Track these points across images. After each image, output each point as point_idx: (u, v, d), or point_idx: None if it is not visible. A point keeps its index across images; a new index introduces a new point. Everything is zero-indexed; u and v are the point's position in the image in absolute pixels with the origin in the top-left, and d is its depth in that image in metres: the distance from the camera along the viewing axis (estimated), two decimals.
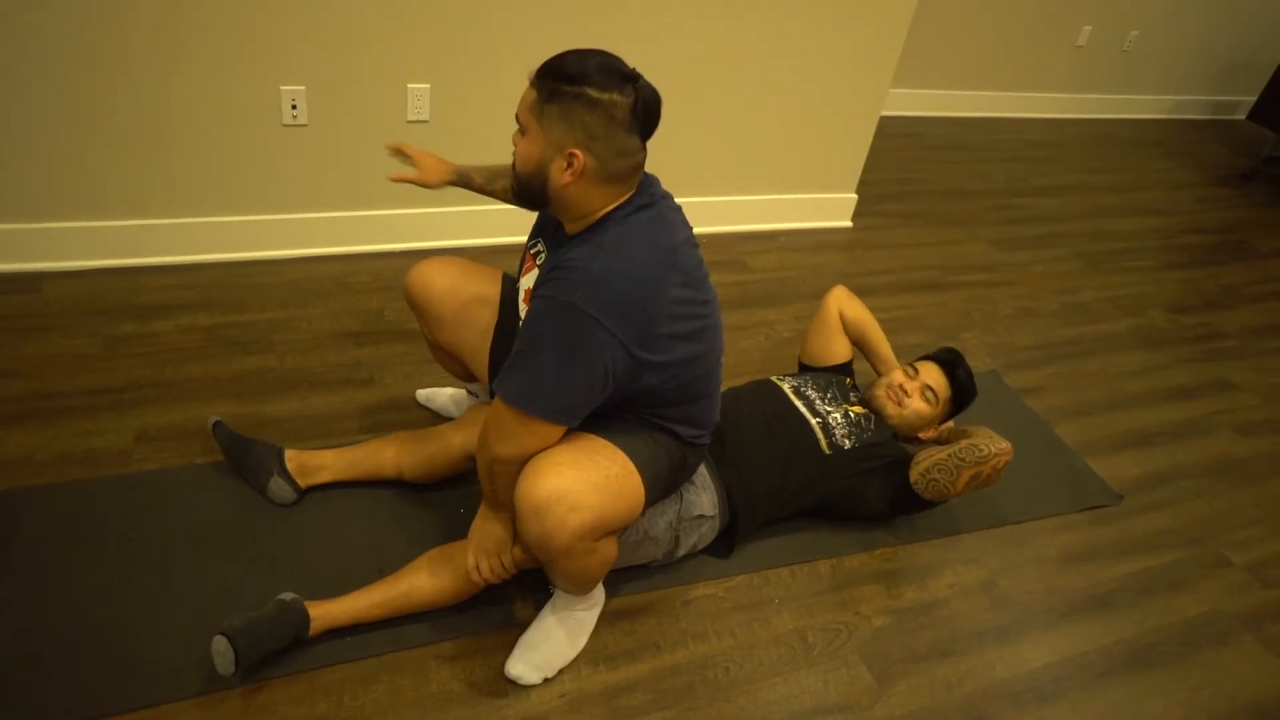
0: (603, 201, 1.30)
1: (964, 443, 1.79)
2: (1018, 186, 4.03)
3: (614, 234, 1.29)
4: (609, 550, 1.42)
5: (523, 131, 1.28)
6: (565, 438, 1.35)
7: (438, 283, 1.68)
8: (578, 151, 1.23)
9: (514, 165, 1.32)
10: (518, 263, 1.58)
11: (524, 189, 1.32)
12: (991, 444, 1.76)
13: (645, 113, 1.24)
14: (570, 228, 1.35)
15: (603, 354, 1.24)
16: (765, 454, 1.80)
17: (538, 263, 1.47)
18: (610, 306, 1.23)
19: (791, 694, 1.58)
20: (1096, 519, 2.13)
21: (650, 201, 1.34)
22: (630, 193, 1.32)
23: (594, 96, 1.21)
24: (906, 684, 1.64)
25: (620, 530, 1.44)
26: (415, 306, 1.73)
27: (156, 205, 2.34)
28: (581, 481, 1.28)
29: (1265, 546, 2.14)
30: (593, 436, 1.37)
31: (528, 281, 1.47)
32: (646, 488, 1.38)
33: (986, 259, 3.31)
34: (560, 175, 1.26)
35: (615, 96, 1.21)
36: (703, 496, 1.71)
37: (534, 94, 1.24)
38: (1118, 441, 2.42)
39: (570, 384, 1.26)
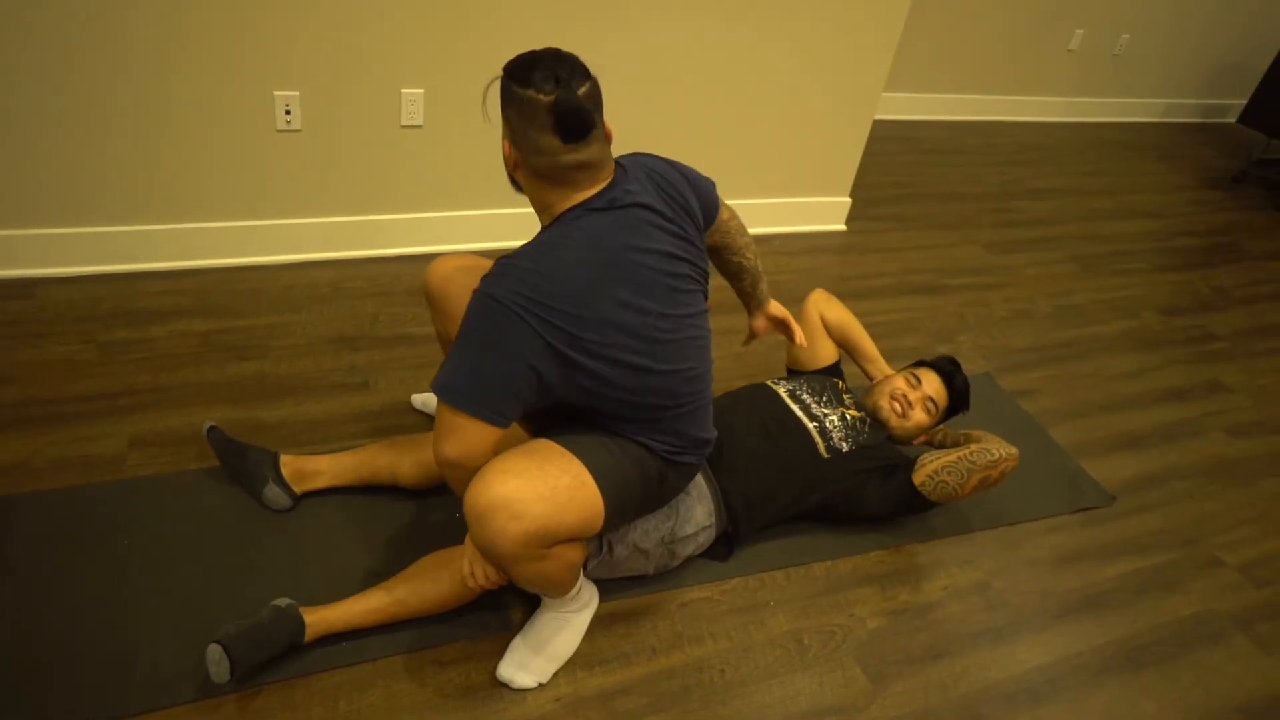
0: (552, 199, 1.34)
1: (975, 446, 1.81)
2: (1011, 190, 4.05)
3: (553, 233, 1.31)
4: (568, 555, 1.39)
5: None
6: (524, 446, 1.35)
7: (455, 278, 1.68)
8: (506, 143, 1.32)
9: None
10: None
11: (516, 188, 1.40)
12: (1001, 448, 1.80)
13: (560, 116, 1.24)
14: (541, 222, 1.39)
15: (522, 350, 1.25)
16: (762, 459, 1.81)
17: None
18: (531, 303, 1.24)
19: (787, 696, 1.59)
20: (1090, 520, 2.14)
21: (607, 206, 1.33)
22: (586, 194, 1.33)
23: (515, 91, 1.25)
24: (901, 686, 1.65)
25: (582, 539, 1.42)
26: (431, 299, 1.73)
27: (151, 211, 2.35)
28: (526, 490, 1.27)
29: (1257, 546, 2.15)
30: (551, 444, 1.36)
31: None
32: (606, 499, 1.36)
33: (981, 262, 3.33)
34: (511, 167, 1.35)
35: (533, 94, 1.24)
36: (698, 509, 1.72)
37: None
38: (1111, 443, 2.43)
39: (490, 378, 1.25)
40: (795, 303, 2.80)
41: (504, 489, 1.27)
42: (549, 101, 1.23)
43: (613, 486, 1.37)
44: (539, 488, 1.28)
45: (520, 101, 1.25)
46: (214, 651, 1.35)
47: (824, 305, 2.15)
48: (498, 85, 1.30)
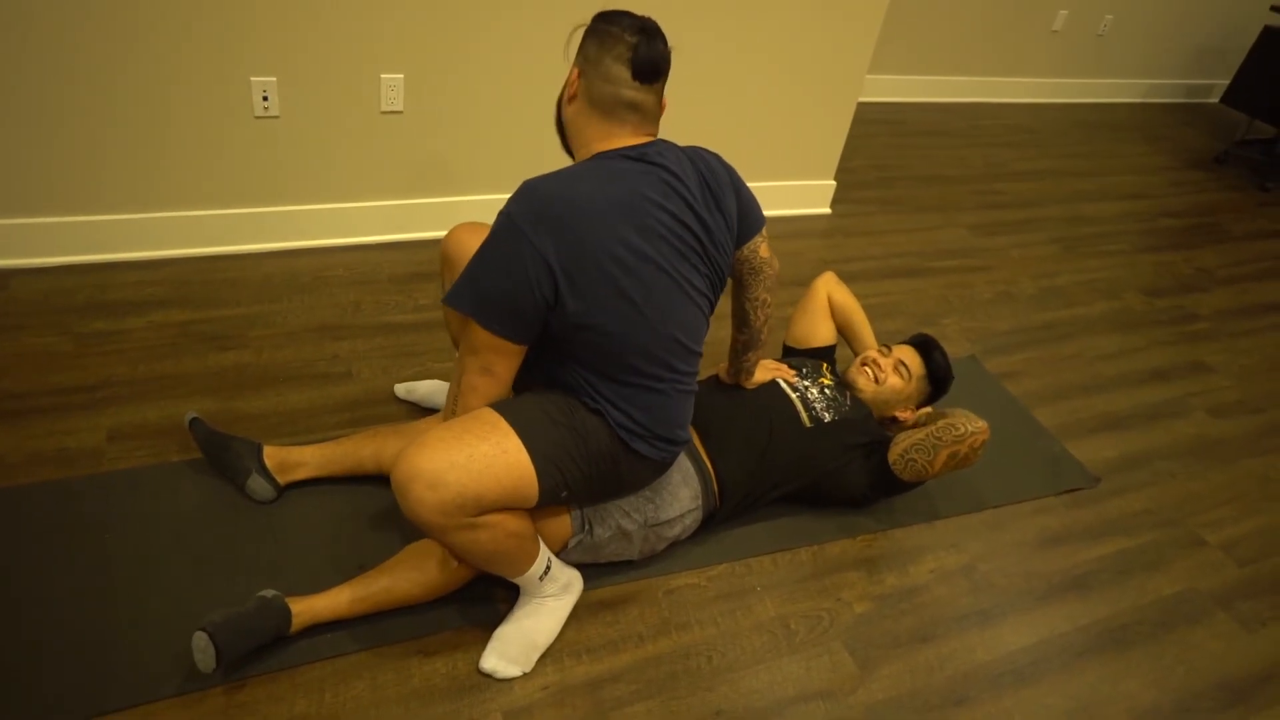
0: (593, 135, 1.42)
1: (941, 422, 1.81)
2: (995, 172, 4.05)
3: (581, 166, 1.38)
4: (505, 524, 1.38)
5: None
6: (453, 420, 1.40)
7: (468, 243, 1.68)
8: (576, 69, 1.42)
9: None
10: None
11: (559, 128, 1.51)
12: (968, 423, 1.79)
13: (639, 55, 1.36)
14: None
15: (525, 266, 1.31)
16: (746, 430, 1.81)
17: None
18: (540, 220, 1.31)
19: (774, 681, 1.59)
20: (1074, 502, 2.15)
21: (638, 158, 1.40)
22: (626, 141, 1.41)
23: (604, 28, 1.39)
24: (888, 669, 1.66)
25: (522, 509, 1.42)
26: (446, 261, 1.74)
27: (127, 200, 2.31)
28: (439, 459, 1.30)
29: (1238, 525, 2.17)
30: (483, 413, 1.40)
31: None
32: (538, 465, 1.37)
33: (964, 244, 3.33)
34: (566, 99, 1.45)
35: (619, 31, 1.37)
36: (683, 491, 1.71)
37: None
38: (1094, 424, 2.45)
39: (494, 287, 1.33)
40: (781, 286, 2.80)
41: (419, 459, 1.31)
42: (633, 41, 1.36)
43: (544, 452, 1.38)
44: (454, 455, 1.31)
45: (605, 34, 1.38)
46: (200, 639, 1.34)
47: (833, 287, 2.19)
48: (579, 32, 1.45)
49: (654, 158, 1.40)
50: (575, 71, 1.42)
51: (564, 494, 1.45)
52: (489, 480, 1.33)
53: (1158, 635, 1.83)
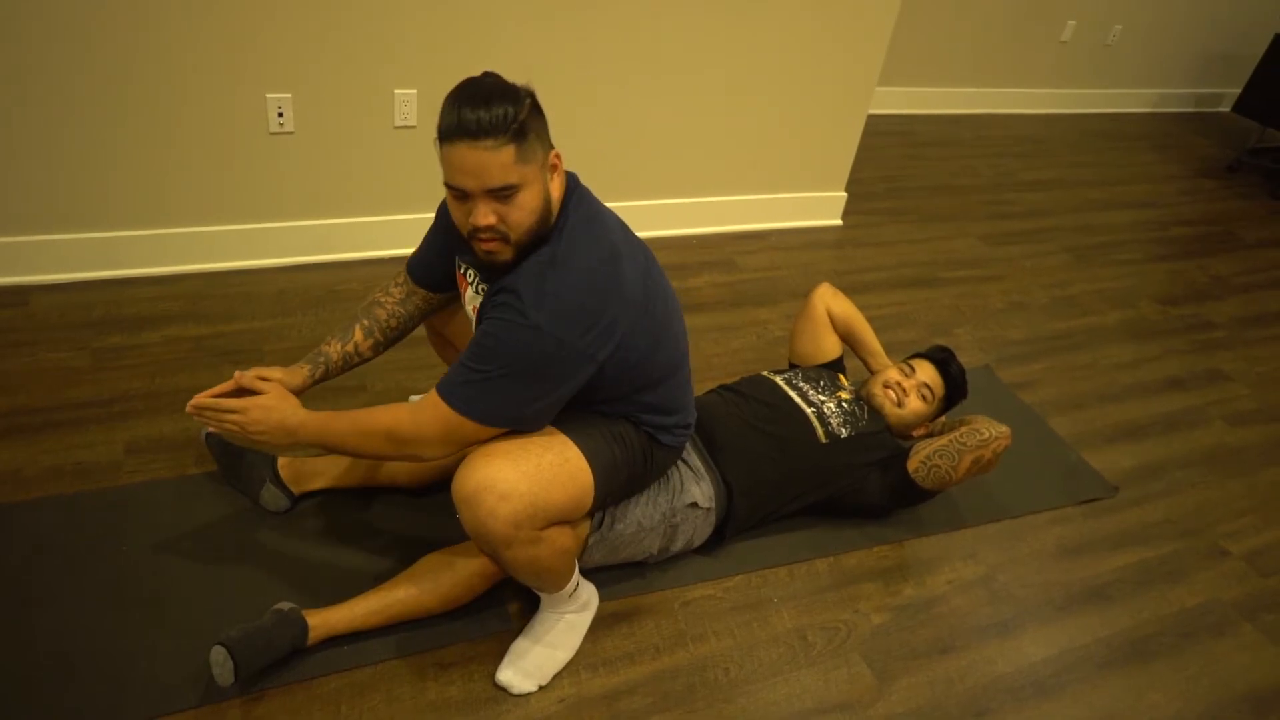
0: (556, 193, 1.31)
1: (964, 429, 1.80)
2: (1005, 182, 4.05)
3: (563, 244, 1.28)
4: (560, 540, 1.38)
5: (516, 192, 1.21)
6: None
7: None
8: (554, 154, 1.28)
9: (503, 235, 1.24)
10: None
11: (535, 237, 1.27)
12: (991, 428, 1.78)
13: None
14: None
15: (575, 371, 1.29)
16: (760, 445, 1.80)
17: (469, 280, 1.47)
18: (601, 333, 1.27)
19: (792, 694, 1.58)
20: (1092, 512, 2.13)
21: (573, 183, 1.35)
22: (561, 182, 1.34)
23: (536, 101, 1.23)
24: (907, 681, 1.64)
25: (574, 521, 1.43)
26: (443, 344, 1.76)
27: (144, 216, 2.33)
28: (510, 469, 1.27)
29: (1261, 535, 2.14)
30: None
31: (471, 300, 1.46)
32: (595, 472, 1.37)
33: (976, 254, 3.32)
34: (558, 188, 1.30)
35: (528, 88, 1.23)
36: (697, 487, 1.70)
37: (509, 147, 1.17)
38: (1111, 434, 2.43)
39: (543, 400, 1.30)
40: (793, 298, 2.79)
41: (489, 470, 1.27)
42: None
43: (600, 460, 1.38)
44: (523, 465, 1.29)
45: (542, 111, 1.25)
46: (218, 653, 1.34)
47: (830, 299, 2.13)
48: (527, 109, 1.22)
49: (574, 185, 1.35)
50: (554, 154, 1.28)
51: (611, 498, 1.46)
52: (556, 491, 1.31)
53: (1181, 647, 1.81)
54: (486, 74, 1.23)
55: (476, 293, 1.43)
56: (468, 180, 1.19)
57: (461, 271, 1.49)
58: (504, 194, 1.20)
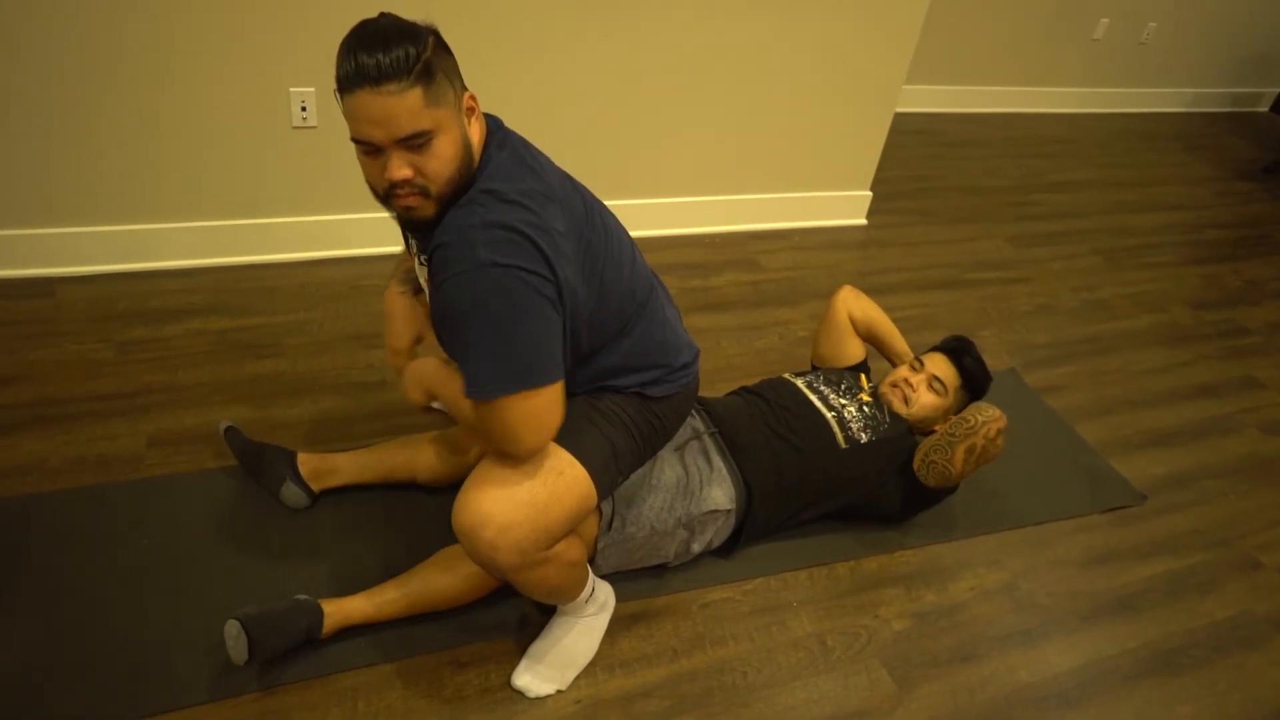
0: (477, 135, 1.20)
1: (953, 419, 1.75)
2: (1033, 182, 3.98)
3: (511, 158, 1.20)
4: (568, 554, 1.36)
5: (430, 139, 1.11)
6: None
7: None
8: (467, 95, 1.16)
9: (421, 189, 1.14)
10: None
11: (457, 188, 1.16)
12: (978, 414, 1.70)
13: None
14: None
15: (551, 294, 1.15)
16: (779, 449, 1.77)
17: (414, 253, 1.38)
18: (557, 256, 1.16)
19: (810, 699, 1.56)
20: (1119, 520, 2.09)
21: (497, 125, 1.25)
22: (481, 125, 1.24)
23: (440, 38, 1.13)
24: (928, 689, 1.61)
25: (579, 535, 1.40)
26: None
27: (167, 209, 2.34)
28: (506, 499, 1.22)
29: None
30: None
31: (422, 274, 1.35)
32: (594, 475, 1.31)
33: (1003, 256, 3.27)
34: (478, 133, 1.19)
35: (429, 24, 1.14)
36: (718, 491, 1.69)
37: (415, 89, 1.06)
38: (1140, 440, 2.38)
39: (551, 339, 1.17)
40: (817, 299, 2.76)
41: (483, 503, 1.22)
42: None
43: (594, 457, 1.32)
44: (519, 493, 1.23)
45: (449, 49, 1.15)
46: (232, 627, 1.34)
47: (852, 302, 2.09)
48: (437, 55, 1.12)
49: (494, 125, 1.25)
50: (468, 96, 1.18)
51: (620, 480, 1.41)
52: (556, 509, 1.27)
53: (1211, 660, 1.76)
54: (382, 14, 1.12)
55: (421, 264, 1.31)
56: (375, 131, 1.08)
57: (414, 252, 1.38)
58: (417, 142, 1.09)
